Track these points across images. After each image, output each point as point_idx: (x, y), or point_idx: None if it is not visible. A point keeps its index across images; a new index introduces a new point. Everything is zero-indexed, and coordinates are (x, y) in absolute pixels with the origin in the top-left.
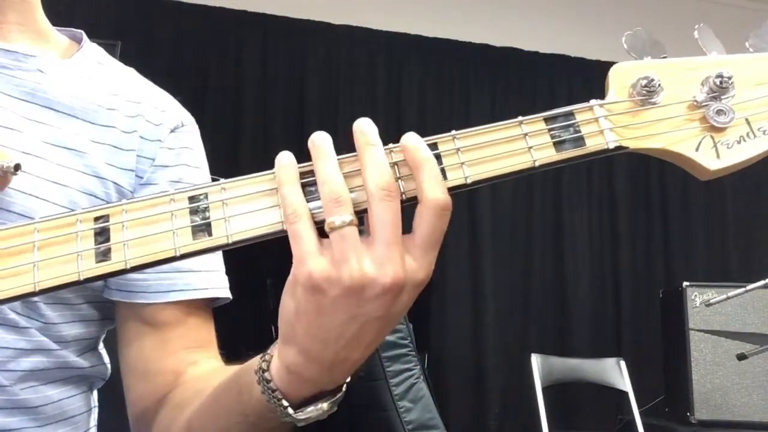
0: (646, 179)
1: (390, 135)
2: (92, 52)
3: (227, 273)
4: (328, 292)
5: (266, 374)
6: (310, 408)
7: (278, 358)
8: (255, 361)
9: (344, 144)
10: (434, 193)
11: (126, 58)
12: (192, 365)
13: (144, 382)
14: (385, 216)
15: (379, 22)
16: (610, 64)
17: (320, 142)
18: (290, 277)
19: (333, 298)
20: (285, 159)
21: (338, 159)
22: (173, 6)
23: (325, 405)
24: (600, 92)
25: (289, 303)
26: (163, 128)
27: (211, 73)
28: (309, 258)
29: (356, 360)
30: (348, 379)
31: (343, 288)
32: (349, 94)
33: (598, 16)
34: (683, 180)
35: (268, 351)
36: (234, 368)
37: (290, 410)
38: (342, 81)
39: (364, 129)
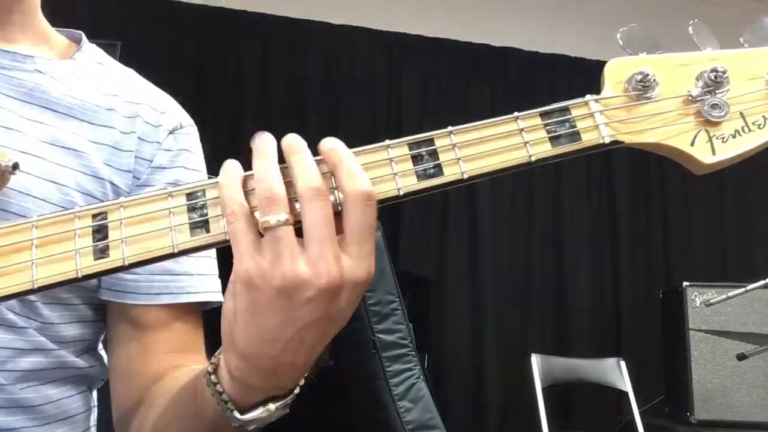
0: (646, 179)
1: (390, 135)
2: (91, 52)
3: (221, 275)
4: (263, 290)
5: (212, 377)
6: (258, 410)
7: (224, 363)
8: (206, 367)
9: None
10: (352, 185)
11: (126, 58)
12: (174, 369)
13: (125, 385)
14: (315, 215)
15: (379, 22)
16: None
17: (261, 142)
18: (231, 277)
19: (268, 297)
20: (228, 163)
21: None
22: (173, 6)
23: (272, 406)
24: (600, 89)
25: (228, 304)
26: (162, 130)
27: (211, 73)
28: (246, 256)
29: (301, 364)
30: (301, 382)
31: (276, 287)
32: (349, 94)
33: (598, 16)
34: (683, 179)
35: (216, 354)
36: (196, 372)
37: (236, 414)
38: (342, 81)
39: (292, 141)
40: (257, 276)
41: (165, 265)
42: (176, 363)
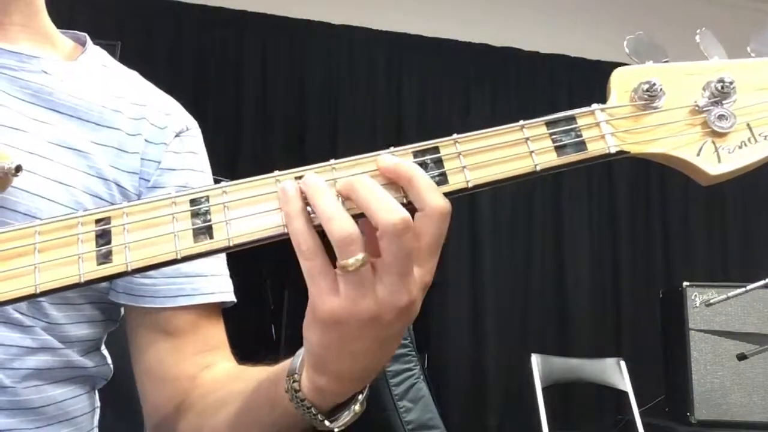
0: (646, 179)
1: (390, 135)
2: (96, 54)
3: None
4: (351, 325)
5: (299, 394)
6: (344, 413)
7: (309, 381)
8: (281, 377)
9: (344, 144)
10: (435, 201)
11: (126, 59)
12: (206, 368)
13: (161, 389)
14: (401, 251)
15: (379, 22)
16: (610, 64)
17: (312, 179)
18: (309, 314)
19: (356, 328)
20: (291, 190)
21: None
22: (173, 6)
23: (357, 407)
24: (601, 92)
25: (312, 336)
26: (168, 131)
27: (211, 73)
28: (328, 296)
29: (382, 364)
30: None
31: (363, 320)
32: (349, 94)
33: (598, 16)
34: (683, 180)
35: (295, 370)
36: (254, 377)
37: (327, 423)
38: (342, 81)
39: (358, 178)
40: (344, 314)
41: (179, 267)
42: (207, 362)
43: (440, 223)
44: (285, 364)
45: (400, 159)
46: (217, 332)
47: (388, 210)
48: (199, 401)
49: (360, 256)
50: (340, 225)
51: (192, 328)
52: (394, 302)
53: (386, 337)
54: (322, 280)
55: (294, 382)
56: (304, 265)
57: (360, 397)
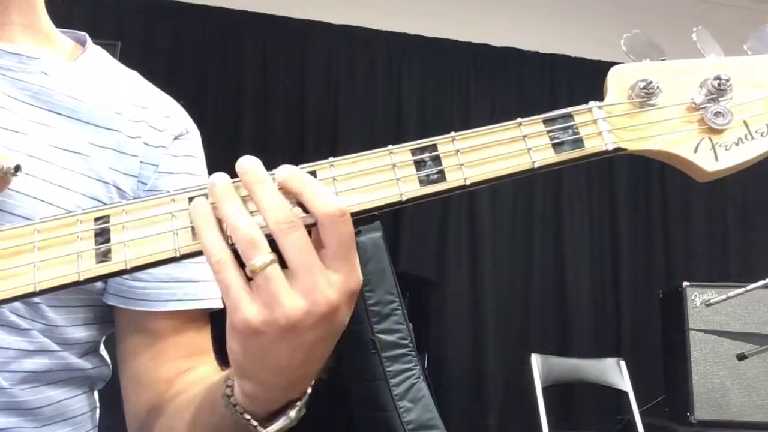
0: (646, 179)
1: (390, 135)
2: (96, 54)
3: None
4: (268, 334)
5: (232, 399)
6: (280, 420)
7: (239, 387)
8: (221, 384)
9: (344, 144)
10: (324, 207)
11: (126, 59)
12: (185, 372)
13: (140, 392)
14: (295, 247)
15: (379, 22)
16: (610, 64)
17: (217, 182)
18: (228, 324)
19: (274, 337)
20: (198, 205)
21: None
22: (173, 6)
23: (292, 413)
24: (600, 92)
25: (233, 346)
26: (167, 134)
27: (211, 73)
28: (241, 305)
29: (313, 372)
30: (312, 383)
31: (280, 327)
32: (350, 94)
33: (598, 16)
34: (683, 180)
35: (230, 376)
36: (213, 380)
37: (260, 429)
38: (342, 81)
39: (248, 167)
40: (260, 323)
41: (171, 272)
42: (187, 367)
43: (336, 226)
44: (227, 371)
45: (294, 171)
46: (201, 337)
47: (276, 209)
48: (170, 404)
49: (266, 257)
50: (242, 232)
51: (177, 332)
52: (310, 306)
53: (308, 346)
54: (235, 290)
55: (228, 387)
56: (217, 278)
57: (298, 403)
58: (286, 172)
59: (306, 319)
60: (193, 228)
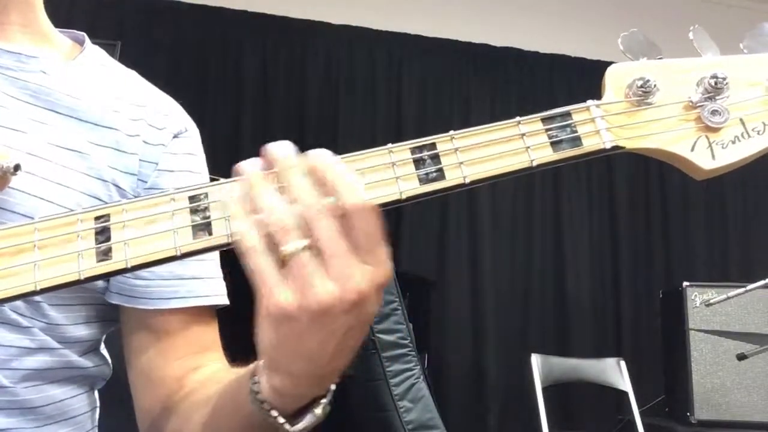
0: (646, 179)
1: (390, 134)
2: (95, 54)
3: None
4: (300, 319)
5: (259, 395)
6: (306, 417)
7: (267, 382)
8: (245, 379)
9: (344, 144)
10: (355, 199)
11: (126, 59)
12: (194, 370)
13: (150, 391)
14: (328, 233)
15: (379, 22)
16: (609, 64)
17: (249, 169)
18: (262, 310)
19: (306, 323)
20: (231, 192)
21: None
22: (173, 6)
23: (318, 410)
24: (600, 93)
25: (265, 335)
26: (166, 132)
27: (211, 73)
28: (275, 290)
29: (342, 366)
30: (337, 380)
31: (314, 312)
32: (350, 94)
33: (598, 16)
34: (683, 179)
35: (256, 373)
36: (230, 378)
37: (287, 426)
38: (342, 81)
39: (281, 153)
40: (292, 308)
41: (174, 270)
42: (196, 364)
43: (369, 218)
44: (251, 367)
45: (329, 159)
46: (209, 334)
47: (310, 197)
48: (182, 403)
49: (300, 243)
50: (276, 218)
51: (183, 330)
52: (342, 293)
53: (340, 334)
54: (269, 275)
55: (254, 383)
56: (250, 264)
57: (323, 401)
58: (319, 159)
59: (337, 305)
60: (193, 227)
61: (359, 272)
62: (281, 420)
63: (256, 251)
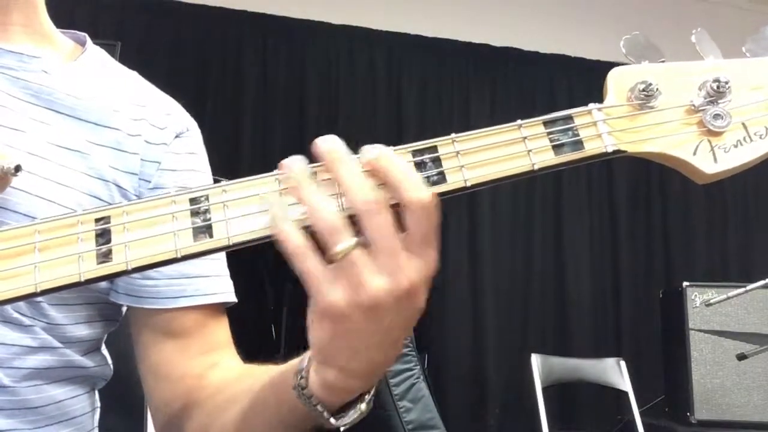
0: (646, 180)
1: (390, 135)
2: (96, 54)
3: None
4: (353, 316)
5: (306, 391)
6: (351, 412)
7: (316, 377)
8: (288, 375)
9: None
10: (417, 194)
11: (126, 59)
12: (212, 367)
13: (167, 388)
14: (381, 229)
15: (379, 22)
16: (610, 64)
17: (294, 167)
18: (315, 311)
19: (359, 319)
20: (273, 196)
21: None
22: (173, 6)
23: (363, 406)
24: (600, 93)
25: (317, 332)
26: (168, 132)
27: (211, 73)
28: (325, 290)
29: (390, 360)
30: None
31: (366, 308)
32: (350, 94)
33: (598, 16)
34: (683, 179)
35: (302, 368)
36: (262, 375)
37: (333, 420)
38: (342, 81)
39: (331, 146)
40: (345, 306)
41: (181, 269)
42: (213, 361)
43: (425, 216)
44: (292, 363)
45: (387, 152)
46: (221, 331)
47: (364, 190)
48: (208, 401)
49: (349, 242)
50: (323, 218)
51: (197, 327)
52: (393, 287)
53: (391, 327)
54: (318, 276)
55: (301, 378)
56: (298, 266)
57: (367, 396)
58: (375, 152)
59: (388, 299)
60: (193, 229)
61: (410, 266)
62: (327, 415)
63: (303, 252)
